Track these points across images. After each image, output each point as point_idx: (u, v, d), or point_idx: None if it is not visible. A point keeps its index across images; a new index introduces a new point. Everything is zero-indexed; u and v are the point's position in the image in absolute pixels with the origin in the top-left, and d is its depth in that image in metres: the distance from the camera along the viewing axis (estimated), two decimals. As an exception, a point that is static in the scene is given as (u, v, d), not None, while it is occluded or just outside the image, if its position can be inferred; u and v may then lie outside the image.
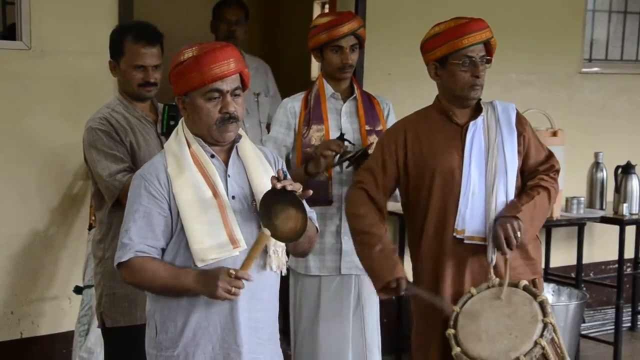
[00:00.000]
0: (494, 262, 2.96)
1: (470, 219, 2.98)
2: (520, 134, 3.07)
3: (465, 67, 2.96)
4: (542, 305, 2.83)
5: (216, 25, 4.85)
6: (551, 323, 2.79)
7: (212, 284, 2.34)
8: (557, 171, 3.15)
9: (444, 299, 2.96)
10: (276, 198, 2.39)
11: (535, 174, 3.10)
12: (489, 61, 3.02)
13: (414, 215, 3.10)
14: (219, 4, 4.87)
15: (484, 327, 2.84)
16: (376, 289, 3.02)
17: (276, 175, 2.41)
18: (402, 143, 3.05)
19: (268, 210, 2.40)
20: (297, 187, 2.40)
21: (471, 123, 3.03)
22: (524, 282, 2.92)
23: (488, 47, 3.02)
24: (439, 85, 3.07)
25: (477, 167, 3.00)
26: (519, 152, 3.05)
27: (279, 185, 2.37)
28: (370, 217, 3.04)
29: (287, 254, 2.58)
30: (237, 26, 4.77)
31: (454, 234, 2.98)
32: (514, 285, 2.92)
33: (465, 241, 2.98)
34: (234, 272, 2.35)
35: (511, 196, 3.02)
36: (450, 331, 2.88)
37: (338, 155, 3.35)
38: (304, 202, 2.45)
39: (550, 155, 3.15)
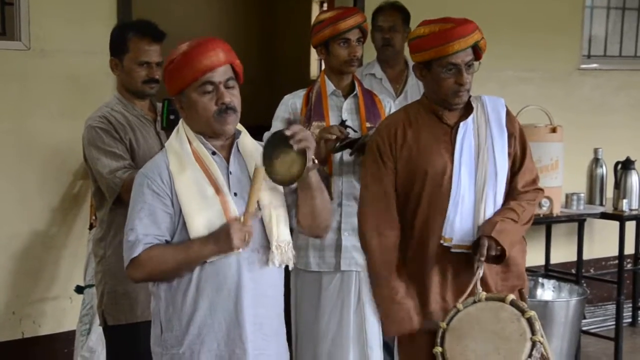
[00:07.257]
0: (480, 274, 2.85)
1: (459, 226, 2.86)
2: (511, 135, 2.95)
3: (449, 74, 2.83)
4: (530, 321, 2.73)
5: (373, 34, 4.35)
6: (540, 341, 2.71)
7: (226, 238, 2.32)
8: (541, 190, 3.02)
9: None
10: (282, 141, 2.36)
11: (517, 186, 2.96)
12: (477, 59, 2.90)
13: (400, 217, 2.97)
14: (374, 11, 4.41)
15: (472, 347, 2.75)
16: (386, 332, 2.93)
17: (290, 118, 2.36)
18: (393, 144, 2.94)
19: (271, 151, 2.37)
20: (309, 144, 2.34)
21: (461, 124, 2.92)
22: (511, 297, 2.80)
23: (476, 49, 2.89)
24: (425, 86, 2.98)
25: (468, 172, 2.89)
26: (508, 153, 2.94)
27: (288, 133, 2.35)
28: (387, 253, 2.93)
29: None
30: (392, 33, 4.27)
31: (441, 242, 2.88)
32: (501, 299, 2.81)
33: (453, 250, 2.87)
34: (241, 219, 2.33)
35: (499, 203, 2.91)
36: (438, 349, 2.78)
37: (339, 142, 3.31)
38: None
39: (533, 166, 3.02)
